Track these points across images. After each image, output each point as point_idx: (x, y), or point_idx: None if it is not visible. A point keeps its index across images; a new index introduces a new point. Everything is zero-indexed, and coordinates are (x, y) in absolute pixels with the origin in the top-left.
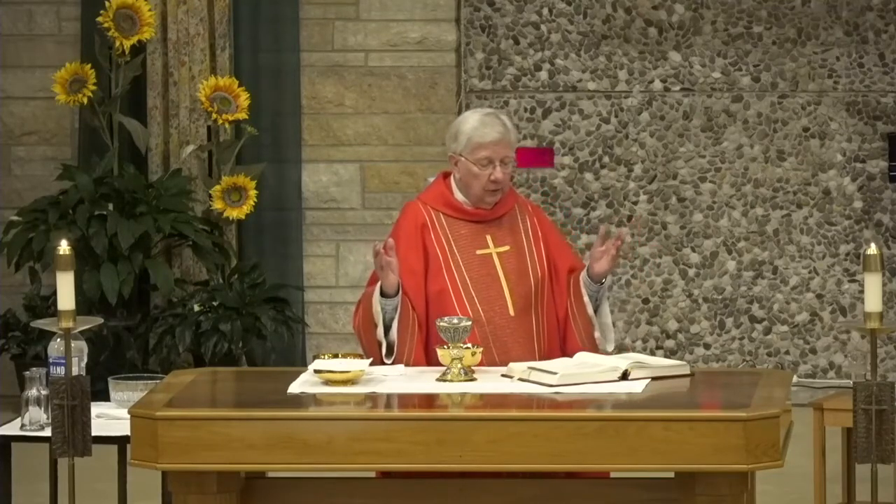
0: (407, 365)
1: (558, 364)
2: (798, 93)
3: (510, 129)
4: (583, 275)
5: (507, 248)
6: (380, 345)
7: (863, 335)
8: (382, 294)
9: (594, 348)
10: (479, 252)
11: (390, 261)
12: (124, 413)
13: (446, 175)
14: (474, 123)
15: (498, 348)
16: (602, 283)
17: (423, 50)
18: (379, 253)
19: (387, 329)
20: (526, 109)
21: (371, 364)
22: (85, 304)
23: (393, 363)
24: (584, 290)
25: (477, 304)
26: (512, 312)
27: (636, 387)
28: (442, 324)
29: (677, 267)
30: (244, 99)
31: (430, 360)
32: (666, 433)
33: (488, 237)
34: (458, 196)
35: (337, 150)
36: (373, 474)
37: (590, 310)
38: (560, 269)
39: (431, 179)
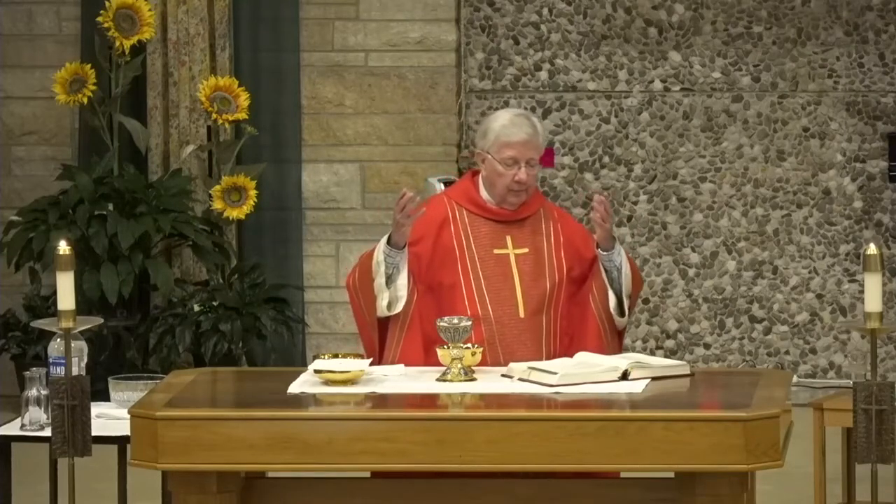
0: (401, 335)
1: (558, 364)
2: (798, 93)
3: (539, 131)
4: (599, 251)
5: (525, 250)
6: (373, 300)
7: (863, 335)
8: (392, 245)
9: (611, 320)
10: (496, 251)
11: (410, 217)
12: (124, 413)
13: (475, 173)
14: (503, 122)
15: (504, 348)
16: (612, 251)
17: (423, 50)
18: (408, 202)
19: (387, 282)
20: (526, 109)
21: (371, 362)
22: (85, 304)
23: (384, 332)
24: (601, 265)
25: (487, 302)
26: (522, 314)
27: (636, 387)
28: (442, 324)
29: (677, 267)
30: (244, 99)
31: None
32: (666, 433)
33: (508, 238)
34: (483, 194)
35: (337, 150)
36: (373, 474)
37: (605, 281)
38: (593, 262)
39: (432, 179)
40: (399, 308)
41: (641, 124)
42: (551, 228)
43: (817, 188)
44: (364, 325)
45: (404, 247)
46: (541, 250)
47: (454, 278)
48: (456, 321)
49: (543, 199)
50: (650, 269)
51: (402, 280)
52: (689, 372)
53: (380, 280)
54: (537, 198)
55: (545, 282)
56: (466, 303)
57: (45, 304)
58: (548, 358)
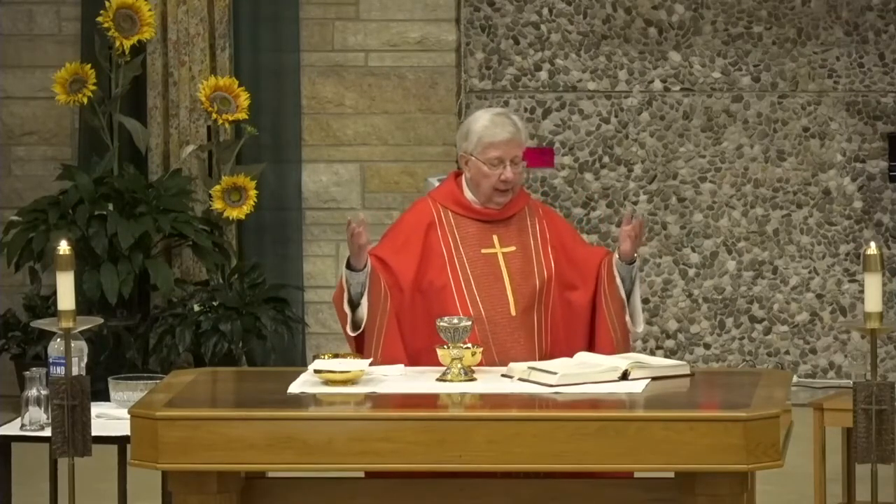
0: (377, 346)
1: (558, 364)
2: (798, 93)
3: (521, 129)
4: (615, 258)
5: (513, 248)
6: (346, 316)
7: (863, 335)
8: (351, 268)
9: (624, 331)
10: (484, 251)
11: (361, 231)
12: (124, 413)
13: (458, 174)
14: (485, 123)
15: (497, 347)
16: (633, 264)
17: (423, 50)
18: (356, 233)
19: (354, 305)
20: (526, 109)
21: (371, 362)
22: (85, 304)
23: (360, 339)
24: (616, 272)
25: (478, 302)
26: (513, 312)
27: (636, 387)
28: (442, 324)
29: (677, 267)
30: (244, 99)
31: (406, 346)
32: (666, 433)
33: (495, 237)
34: (468, 195)
35: (337, 150)
36: (372, 474)
37: (621, 291)
38: (584, 265)
39: (431, 179)
40: (359, 331)
41: (641, 124)
42: (537, 226)
43: (817, 188)
44: (349, 341)
45: (363, 269)
46: (528, 248)
47: (444, 280)
48: (456, 321)
49: (528, 196)
50: (650, 269)
51: (365, 301)
52: (689, 372)
53: (345, 304)
54: (522, 196)
55: (534, 279)
56: (458, 304)
57: (45, 304)
58: (540, 355)
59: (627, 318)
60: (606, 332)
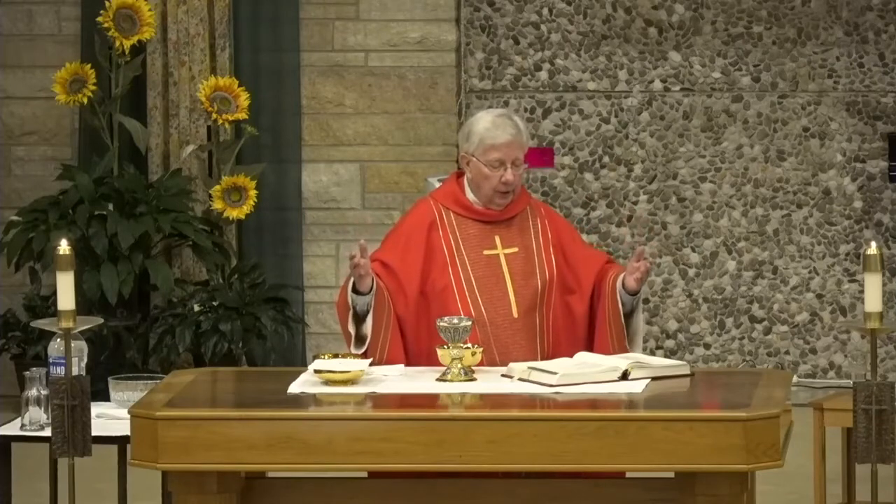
0: (381, 359)
1: (558, 364)
2: (798, 93)
3: (522, 130)
4: (619, 282)
5: (514, 249)
6: (351, 334)
7: (863, 335)
8: (356, 291)
9: (623, 353)
10: (486, 252)
11: (362, 263)
12: (124, 413)
13: (460, 174)
14: (486, 124)
15: (499, 348)
16: (636, 295)
17: (423, 50)
18: (357, 265)
19: (359, 320)
20: (526, 109)
21: (371, 362)
22: (85, 304)
23: (364, 354)
24: (619, 298)
25: (480, 303)
26: (515, 314)
27: (636, 387)
28: (442, 324)
29: (677, 267)
30: (244, 99)
31: (408, 355)
32: (666, 433)
33: (497, 238)
34: (470, 195)
35: (337, 150)
36: (370, 474)
37: (622, 318)
38: (582, 270)
39: (431, 179)
40: (364, 347)
41: (641, 124)
42: (539, 226)
43: (817, 188)
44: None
45: (369, 292)
46: (530, 249)
47: (446, 281)
48: (456, 321)
49: (529, 196)
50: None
51: (369, 319)
52: (689, 372)
53: (350, 322)
54: (524, 196)
55: (536, 280)
56: (459, 305)
57: (45, 304)
58: (542, 356)
59: (626, 342)
60: (605, 351)
